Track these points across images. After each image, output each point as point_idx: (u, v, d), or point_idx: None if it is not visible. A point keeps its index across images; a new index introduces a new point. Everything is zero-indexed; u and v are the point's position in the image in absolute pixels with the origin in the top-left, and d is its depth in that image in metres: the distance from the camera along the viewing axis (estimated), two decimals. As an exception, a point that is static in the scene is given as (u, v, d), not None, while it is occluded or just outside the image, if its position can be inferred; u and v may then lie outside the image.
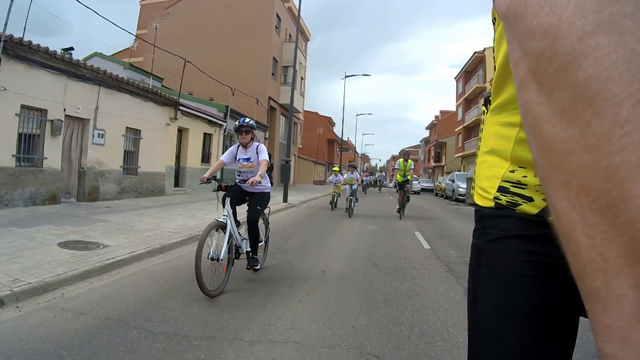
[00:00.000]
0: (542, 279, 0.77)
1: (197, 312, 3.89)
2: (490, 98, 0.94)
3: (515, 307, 0.78)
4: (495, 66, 0.87)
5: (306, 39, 43.46)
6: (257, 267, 5.49)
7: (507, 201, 0.83)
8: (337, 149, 60.41)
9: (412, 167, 14.59)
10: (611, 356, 0.27)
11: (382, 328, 3.73)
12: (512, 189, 0.83)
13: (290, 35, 34.67)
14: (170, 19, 32.33)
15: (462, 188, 24.64)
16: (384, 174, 66.60)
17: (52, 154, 10.43)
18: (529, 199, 0.79)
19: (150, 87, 15.36)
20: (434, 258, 6.98)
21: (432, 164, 64.53)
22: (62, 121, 10.53)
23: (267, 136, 28.93)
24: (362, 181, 33.38)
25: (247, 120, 5.54)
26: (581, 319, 0.78)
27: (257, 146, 5.58)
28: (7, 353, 2.87)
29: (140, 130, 14.24)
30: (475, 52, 43.38)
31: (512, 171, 0.83)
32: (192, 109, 17.50)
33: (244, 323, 3.68)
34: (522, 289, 0.79)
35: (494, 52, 0.88)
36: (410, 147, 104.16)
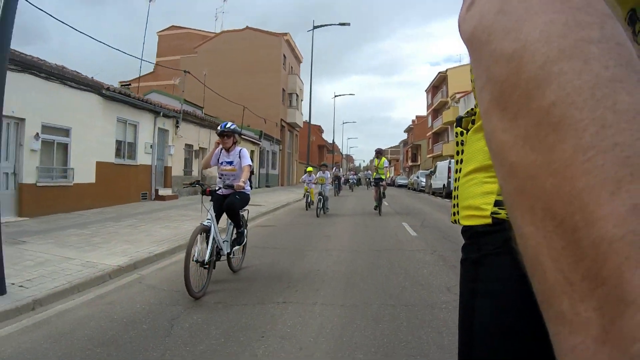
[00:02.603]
0: None
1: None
2: (472, 118, 0.97)
3: (519, 323, 0.77)
4: (474, 86, 0.82)
5: (299, 62, 52.47)
6: (236, 269, 5.85)
7: (506, 214, 0.74)
8: (326, 152, 70.08)
9: (386, 164, 15.55)
10: None
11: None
12: None
13: (292, 68, 44.34)
14: (198, 56, 41.23)
15: (422, 181, 36.14)
16: (369, 172, 75.97)
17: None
18: None
19: (203, 116, 23.40)
20: (399, 221, 14.20)
21: (410, 163, 75.10)
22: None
23: (280, 148, 38.69)
24: (349, 180, 40.59)
25: (228, 124, 5.69)
26: None
27: (240, 150, 5.72)
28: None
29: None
30: (439, 72, 53.73)
31: None
32: (244, 135, 27.14)
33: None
34: (524, 302, 0.74)
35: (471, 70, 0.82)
36: (391, 147, 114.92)
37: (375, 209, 15.11)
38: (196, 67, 38.69)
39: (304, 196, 16.31)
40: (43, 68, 11.19)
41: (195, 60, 39.49)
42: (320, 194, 14.36)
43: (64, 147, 12.34)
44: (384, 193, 15.10)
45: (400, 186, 50.59)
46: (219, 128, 5.68)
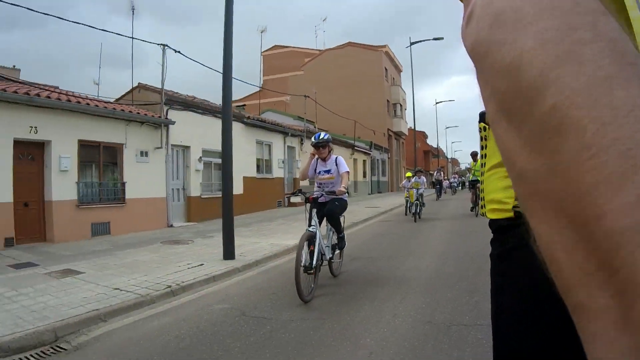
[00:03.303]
0: None
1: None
2: None
3: (540, 315, 0.79)
4: None
5: (399, 71, 54.07)
6: (336, 274, 6.16)
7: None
8: (431, 157, 71.13)
9: (483, 165, 18.97)
10: None
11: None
12: None
13: (394, 79, 46.48)
14: (303, 74, 44.27)
15: None
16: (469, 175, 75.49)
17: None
18: None
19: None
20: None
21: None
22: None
23: (389, 156, 41.13)
24: (451, 184, 40.69)
25: (322, 135, 5.88)
26: None
27: (336, 158, 5.87)
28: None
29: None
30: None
31: None
32: (358, 147, 30.01)
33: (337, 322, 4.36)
34: (545, 297, 0.72)
35: None
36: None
37: (471, 211, 15.29)
38: (303, 84, 41.34)
39: (406, 202, 15.98)
40: (200, 105, 14.76)
41: (301, 77, 42.74)
42: (417, 198, 14.30)
43: (218, 166, 15.68)
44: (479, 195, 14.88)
45: None
46: (313, 139, 5.92)
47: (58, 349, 4.00)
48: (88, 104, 10.78)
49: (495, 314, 0.91)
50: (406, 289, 5.42)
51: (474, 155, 15.55)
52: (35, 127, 9.48)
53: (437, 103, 52.47)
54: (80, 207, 10.57)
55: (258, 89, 28.51)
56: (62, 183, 10.19)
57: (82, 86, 78.39)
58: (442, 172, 29.62)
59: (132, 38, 12.87)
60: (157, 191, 12.94)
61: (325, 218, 5.73)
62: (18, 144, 9.34)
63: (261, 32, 30.85)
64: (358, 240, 9.70)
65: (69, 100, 10.26)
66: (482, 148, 1.08)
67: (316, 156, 5.93)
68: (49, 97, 9.75)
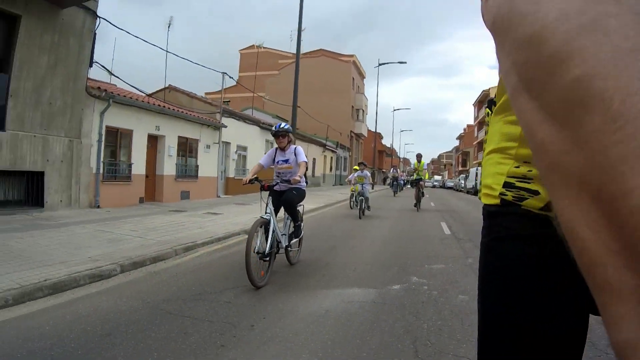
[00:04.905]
0: (546, 279, 0.80)
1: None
2: (495, 99, 0.96)
3: (523, 307, 0.81)
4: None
5: (363, 77, 59.94)
6: (294, 262, 6.05)
7: (512, 196, 0.86)
8: (385, 156, 78.22)
9: (425, 167, 16.76)
10: (629, 343, 0.27)
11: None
12: (518, 184, 0.85)
13: (358, 87, 52.95)
14: (280, 76, 48.89)
15: (462, 183, 45.85)
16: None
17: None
18: (535, 193, 0.82)
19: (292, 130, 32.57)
20: (434, 210, 23.93)
21: (460, 168, 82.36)
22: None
23: (350, 154, 47.64)
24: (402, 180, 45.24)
25: (282, 125, 5.83)
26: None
27: (295, 148, 5.81)
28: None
29: (315, 159, 32.57)
30: (483, 90, 61.08)
31: (517, 167, 0.86)
32: (328, 147, 36.13)
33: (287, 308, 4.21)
34: (528, 289, 0.82)
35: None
36: (446, 152, 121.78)
37: (414, 207, 16.75)
38: (278, 85, 46.96)
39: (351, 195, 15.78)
40: (235, 113, 20.63)
41: (278, 78, 47.99)
42: (360, 194, 13.74)
43: (244, 157, 21.79)
44: (422, 192, 16.97)
45: (449, 188, 60.37)
46: (273, 129, 5.84)
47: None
48: (184, 112, 16.31)
49: (481, 303, 0.92)
50: (345, 275, 5.68)
51: (418, 156, 17.31)
52: (158, 126, 14.99)
53: (394, 110, 59.16)
54: (176, 180, 16.14)
55: (234, 83, 33.25)
56: (168, 163, 15.69)
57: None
58: (397, 169, 30.96)
59: (140, 37, 18.34)
60: (213, 172, 18.59)
61: (282, 207, 5.74)
62: (149, 137, 14.72)
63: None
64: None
65: (174, 109, 15.72)
66: (485, 133, 1.06)
67: (275, 145, 5.99)
68: (164, 107, 15.20)
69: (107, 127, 12.30)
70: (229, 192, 19.90)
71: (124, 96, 12.90)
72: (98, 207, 11.83)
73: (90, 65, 11.68)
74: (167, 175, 15.66)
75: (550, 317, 0.79)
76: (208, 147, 18.14)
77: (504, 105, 0.90)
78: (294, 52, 53.29)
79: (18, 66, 9.67)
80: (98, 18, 11.68)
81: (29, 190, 10.28)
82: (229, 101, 39.19)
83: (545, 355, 0.80)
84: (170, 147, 15.66)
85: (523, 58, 0.34)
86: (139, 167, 14.08)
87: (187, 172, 16.90)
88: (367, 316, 4.12)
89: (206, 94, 36.88)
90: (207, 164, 18.08)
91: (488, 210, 0.92)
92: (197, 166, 17.47)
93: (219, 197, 18.85)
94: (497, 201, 0.88)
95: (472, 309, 4.21)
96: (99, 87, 12.06)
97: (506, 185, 0.87)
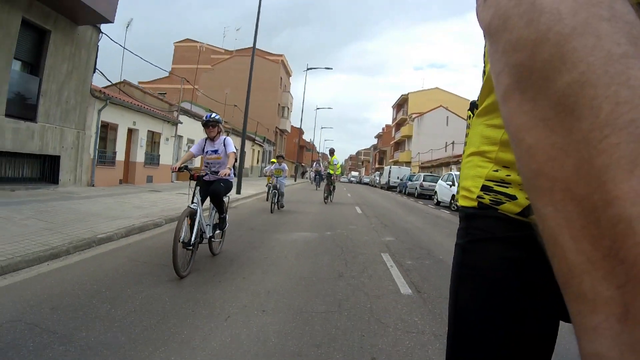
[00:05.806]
0: (520, 282, 0.80)
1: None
2: (478, 102, 0.96)
3: (495, 310, 0.81)
4: (484, 71, 0.90)
5: (289, 75, 63.67)
6: (216, 253, 6.01)
7: (490, 200, 0.85)
8: (305, 151, 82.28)
9: (336, 162, 17.45)
10: (598, 356, 0.27)
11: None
12: (496, 188, 0.85)
13: (285, 85, 56.66)
14: (214, 71, 51.85)
15: (377, 180, 51.33)
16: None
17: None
18: (512, 197, 0.82)
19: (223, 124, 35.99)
20: (350, 199, 28.68)
21: (377, 165, 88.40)
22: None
23: (275, 149, 51.41)
24: (319, 174, 48.71)
25: (213, 115, 5.76)
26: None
27: (224, 139, 5.77)
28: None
29: (245, 152, 35.88)
30: (402, 95, 67.06)
31: (496, 170, 0.86)
32: (256, 141, 39.53)
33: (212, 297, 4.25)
34: (502, 292, 0.81)
35: (484, 56, 0.88)
36: (364, 149, 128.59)
37: (325, 200, 17.28)
38: (212, 80, 49.52)
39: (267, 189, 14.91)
40: (188, 112, 23.65)
41: (212, 73, 50.70)
42: (275, 187, 12.84)
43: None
44: (333, 186, 17.80)
45: (365, 183, 65.79)
46: (203, 118, 5.79)
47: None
48: (152, 109, 19.16)
49: (453, 303, 0.90)
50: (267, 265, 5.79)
51: (331, 151, 18.40)
52: (135, 122, 17.82)
53: (317, 109, 63.27)
54: (145, 167, 19.08)
55: (167, 73, 34.36)
56: (139, 153, 18.56)
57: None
58: (320, 164, 31.10)
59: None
60: (170, 161, 21.53)
61: (208, 197, 5.69)
62: (128, 130, 17.52)
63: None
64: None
65: (149, 108, 18.59)
66: (466, 136, 1.04)
67: (205, 135, 5.91)
68: (139, 105, 18.04)
69: (102, 122, 15.16)
70: (179, 178, 22.96)
71: (115, 97, 15.85)
72: (93, 185, 14.69)
73: (94, 72, 14.53)
74: (138, 162, 18.55)
75: (523, 319, 0.80)
76: (167, 139, 21.15)
77: (487, 109, 0.89)
78: (227, 48, 56.76)
79: (47, 72, 12.42)
80: (101, 33, 14.58)
81: (44, 170, 13.04)
82: (165, 93, 40.99)
83: (515, 358, 0.81)
84: (142, 139, 18.57)
85: (518, 60, 0.34)
86: (120, 154, 16.96)
87: (152, 160, 19.86)
88: (316, 243, 7.71)
89: (140, 82, 37.95)
90: (166, 154, 21.08)
91: (465, 213, 0.92)
92: (159, 155, 20.46)
93: (173, 182, 21.93)
94: (475, 204, 0.88)
95: (363, 233, 9.33)
96: (100, 90, 14.99)
97: (484, 188, 0.86)
